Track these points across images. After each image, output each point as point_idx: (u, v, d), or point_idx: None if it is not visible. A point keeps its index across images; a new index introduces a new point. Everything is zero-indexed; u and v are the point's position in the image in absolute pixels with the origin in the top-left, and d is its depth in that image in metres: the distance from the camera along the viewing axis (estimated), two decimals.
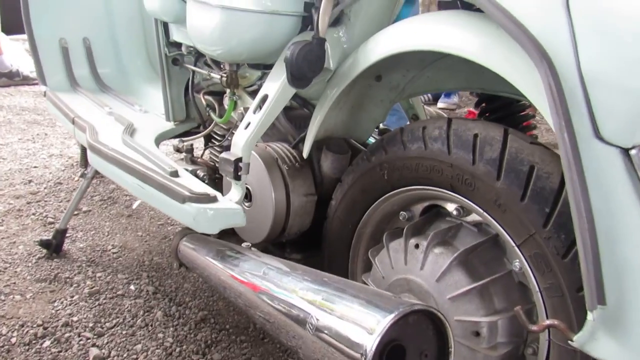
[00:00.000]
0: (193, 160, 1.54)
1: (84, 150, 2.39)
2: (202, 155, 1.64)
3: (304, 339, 0.82)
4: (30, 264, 1.81)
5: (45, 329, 1.48)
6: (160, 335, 1.49)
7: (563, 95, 0.68)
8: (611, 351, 0.69)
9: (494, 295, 0.93)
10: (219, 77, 1.39)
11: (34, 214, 2.16)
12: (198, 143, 1.80)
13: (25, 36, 1.93)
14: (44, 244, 1.85)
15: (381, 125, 1.45)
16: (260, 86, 1.37)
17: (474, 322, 0.92)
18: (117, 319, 1.55)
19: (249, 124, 1.15)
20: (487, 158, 0.89)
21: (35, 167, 2.65)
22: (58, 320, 1.52)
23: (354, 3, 1.11)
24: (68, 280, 1.72)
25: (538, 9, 0.72)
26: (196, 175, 1.49)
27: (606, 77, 0.68)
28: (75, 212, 2.13)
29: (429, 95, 4.09)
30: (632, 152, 0.68)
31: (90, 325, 1.51)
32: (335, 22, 1.15)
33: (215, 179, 1.52)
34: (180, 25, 1.49)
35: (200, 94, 1.58)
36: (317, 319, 0.79)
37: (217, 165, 1.57)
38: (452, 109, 4.14)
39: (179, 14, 1.41)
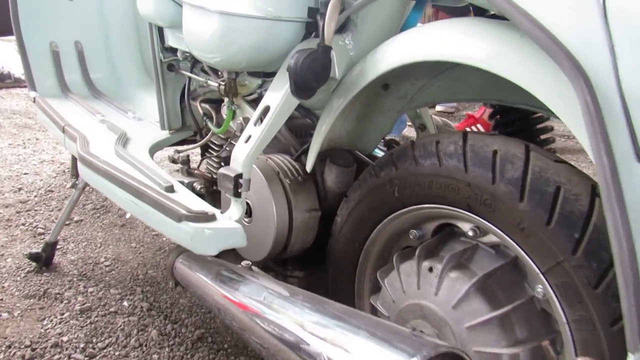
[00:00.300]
0: (189, 172, 1.47)
1: (75, 160, 2.31)
2: (198, 166, 1.56)
3: None
4: (18, 279, 1.73)
5: (33, 350, 1.41)
6: (155, 356, 1.41)
7: (601, 115, 0.62)
8: None
9: (515, 323, 0.87)
10: (216, 85, 1.32)
11: (23, 224, 2.08)
12: (194, 152, 1.73)
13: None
14: (34, 257, 1.77)
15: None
16: (260, 95, 1.30)
17: (495, 354, 0.85)
18: (110, 339, 1.47)
19: (249, 137, 1.08)
20: (508, 177, 0.82)
21: (25, 173, 2.57)
22: (47, 341, 1.45)
23: (361, 8, 1.04)
24: (58, 296, 1.65)
25: (572, 20, 0.66)
26: (192, 188, 1.43)
27: None
28: (67, 222, 2.05)
29: None
30: None
31: (82, 345, 1.43)
32: (341, 28, 1.08)
33: (212, 191, 1.45)
34: (176, 30, 1.42)
35: (196, 101, 1.51)
36: None
37: (214, 177, 1.50)
38: (450, 112, 4.08)
39: (175, 18, 1.34)
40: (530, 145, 0.85)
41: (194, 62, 1.49)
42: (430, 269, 0.94)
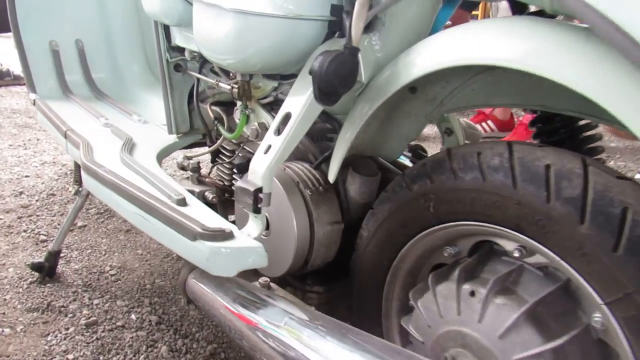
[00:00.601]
0: (200, 180, 1.38)
1: (78, 167, 2.22)
2: (209, 173, 1.48)
3: None
4: (21, 290, 1.65)
5: None
6: None
7: None
8: None
9: (570, 356, 0.78)
10: (228, 87, 1.23)
11: (25, 231, 2.00)
12: (203, 157, 1.64)
13: None
14: (36, 267, 1.69)
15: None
16: (276, 98, 1.20)
17: None
18: (118, 356, 1.39)
19: (269, 147, 0.99)
20: (565, 196, 0.73)
21: (26, 176, 2.49)
22: (52, 359, 1.37)
23: (391, 5, 0.95)
24: (63, 309, 1.57)
25: None
26: (204, 198, 1.34)
27: None
28: (70, 228, 1.97)
29: None
30: None
31: None
32: (367, 28, 0.99)
33: (224, 200, 1.37)
34: (184, 28, 1.32)
35: (206, 104, 1.41)
36: None
37: (225, 184, 1.41)
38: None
39: (183, 16, 1.25)
40: (587, 159, 0.76)
41: (203, 62, 1.39)
42: (472, 293, 0.85)
